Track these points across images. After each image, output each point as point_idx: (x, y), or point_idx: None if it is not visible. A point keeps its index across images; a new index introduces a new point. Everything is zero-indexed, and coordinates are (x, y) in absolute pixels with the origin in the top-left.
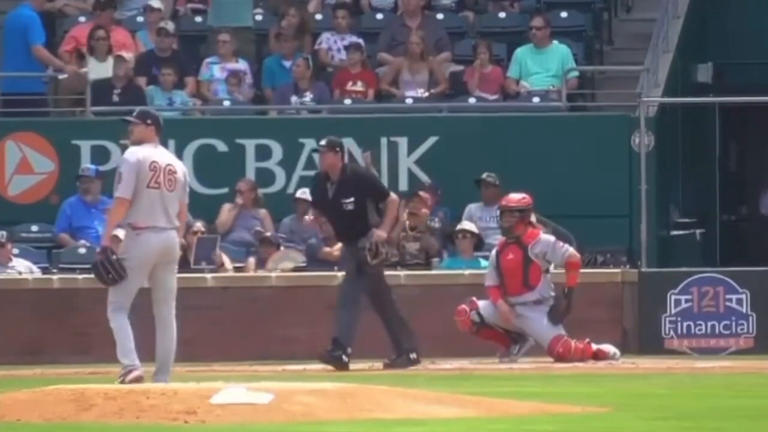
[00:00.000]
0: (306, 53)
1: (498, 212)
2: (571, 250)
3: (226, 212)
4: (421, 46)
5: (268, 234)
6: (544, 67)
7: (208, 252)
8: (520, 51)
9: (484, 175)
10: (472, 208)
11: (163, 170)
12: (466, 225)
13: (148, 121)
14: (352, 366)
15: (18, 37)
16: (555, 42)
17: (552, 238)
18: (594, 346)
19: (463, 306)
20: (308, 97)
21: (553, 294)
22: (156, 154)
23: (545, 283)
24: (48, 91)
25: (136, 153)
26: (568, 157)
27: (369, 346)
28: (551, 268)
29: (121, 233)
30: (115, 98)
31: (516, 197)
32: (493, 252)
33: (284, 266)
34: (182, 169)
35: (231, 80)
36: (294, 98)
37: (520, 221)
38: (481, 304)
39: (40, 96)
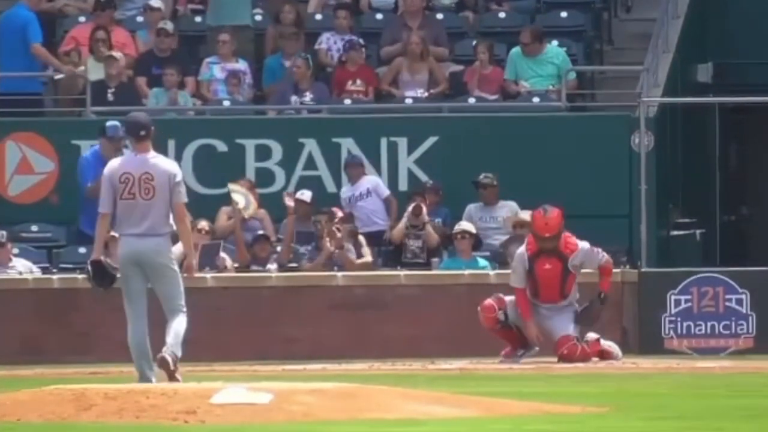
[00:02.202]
0: (303, 51)
1: (538, 235)
2: (606, 255)
3: (225, 218)
4: (420, 46)
5: (261, 232)
6: (537, 72)
7: (211, 258)
8: (514, 53)
9: (481, 177)
10: (471, 208)
11: (138, 180)
12: (464, 225)
13: (126, 131)
14: (352, 366)
15: (14, 36)
16: (554, 42)
17: (587, 245)
18: (603, 343)
19: (491, 302)
20: (308, 97)
21: (578, 296)
22: (131, 163)
23: (576, 289)
24: (45, 91)
25: (109, 166)
26: (568, 157)
27: (368, 346)
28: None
29: None
30: (110, 97)
31: (554, 221)
32: (523, 253)
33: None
34: (166, 173)
35: (231, 80)
36: (294, 98)
37: (560, 238)
38: (507, 301)
39: (36, 96)
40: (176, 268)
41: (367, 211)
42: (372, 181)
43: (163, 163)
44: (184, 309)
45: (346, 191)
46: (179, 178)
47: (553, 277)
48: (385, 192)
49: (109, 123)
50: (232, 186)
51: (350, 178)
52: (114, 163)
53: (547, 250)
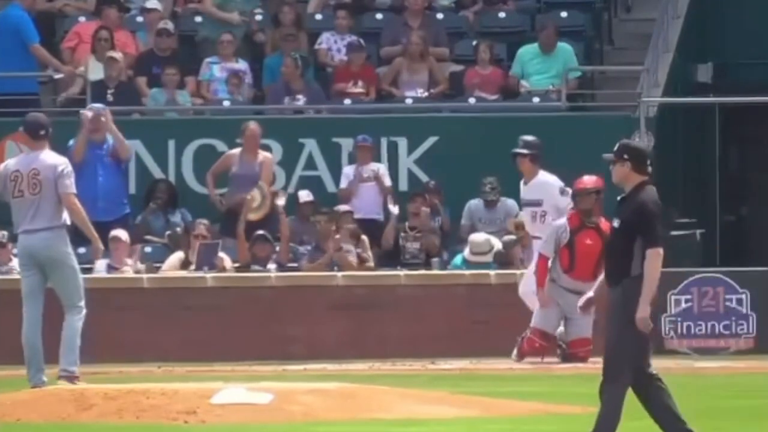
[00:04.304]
0: (303, 51)
1: (572, 197)
2: None
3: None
4: (421, 46)
5: (261, 232)
6: (546, 70)
7: (210, 257)
8: (523, 51)
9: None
10: (471, 205)
11: (26, 177)
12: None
13: (25, 129)
14: (352, 366)
15: (9, 37)
16: (559, 43)
17: None
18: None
19: (533, 338)
20: (301, 101)
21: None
22: (22, 162)
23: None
24: (43, 91)
25: (3, 165)
26: (568, 157)
27: (368, 346)
28: None
29: None
30: (109, 98)
31: (591, 179)
32: (566, 225)
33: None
34: (51, 167)
35: (232, 80)
36: (286, 99)
37: (596, 203)
38: (537, 316)
39: (33, 96)
40: (73, 263)
41: (369, 195)
42: (380, 167)
43: (50, 158)
44: (81, 305)
45: (351, 169)
46: (63, 169)
47: (592, 253)
48: (389, 182)
49: (90, 104)
50: (261, 183)
51: (358, 159)
52: (9, 163)
53: (589, 221)
